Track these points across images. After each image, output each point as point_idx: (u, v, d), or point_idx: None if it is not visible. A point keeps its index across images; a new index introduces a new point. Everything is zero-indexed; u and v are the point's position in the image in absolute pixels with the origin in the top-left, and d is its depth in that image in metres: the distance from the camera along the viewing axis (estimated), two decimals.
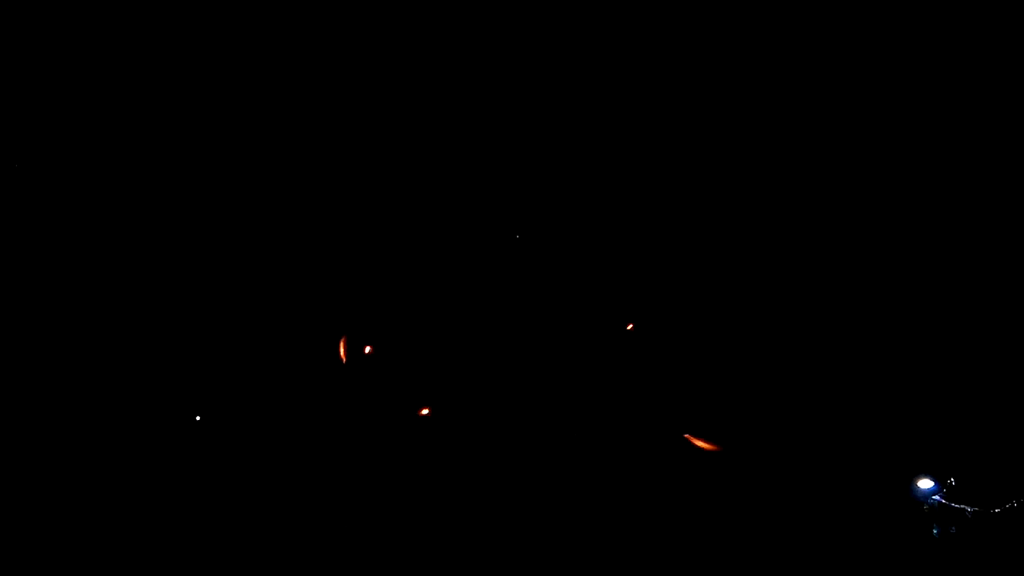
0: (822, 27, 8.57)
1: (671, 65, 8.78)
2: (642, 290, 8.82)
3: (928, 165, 8.56)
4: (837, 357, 8.47)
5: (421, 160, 8.95)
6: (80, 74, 8.58)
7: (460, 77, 8.88)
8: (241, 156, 8.80)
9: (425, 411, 8.57)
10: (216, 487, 8.34)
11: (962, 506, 7.85)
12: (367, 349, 8.66)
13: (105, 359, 8.50)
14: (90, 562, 8.00)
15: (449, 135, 8.94)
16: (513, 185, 8.96)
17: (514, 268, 8.93)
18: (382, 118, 8.91)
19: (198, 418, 8.39)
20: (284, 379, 8.64)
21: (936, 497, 7.91)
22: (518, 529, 8.28)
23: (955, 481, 7.92)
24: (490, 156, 8.95)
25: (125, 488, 8.24)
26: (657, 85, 8.84)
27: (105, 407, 8.41)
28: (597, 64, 8.83)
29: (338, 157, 8.91)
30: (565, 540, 8.24)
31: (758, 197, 8.78)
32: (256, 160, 8.83)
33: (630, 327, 8.74)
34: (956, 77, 8.47)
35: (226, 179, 8.80)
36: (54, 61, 8.54)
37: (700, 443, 8.27)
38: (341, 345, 8.63)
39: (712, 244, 8.82)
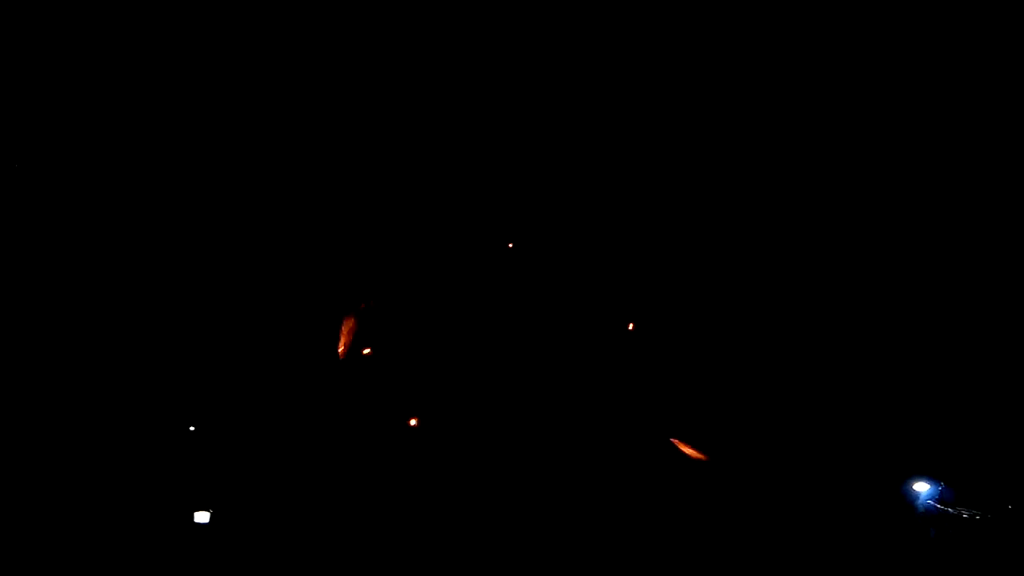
0: (822, 27, 8.57)
1: (672, 67, 8.78)
2: (640, 292, 8.83)
3: (928, 166, 8.55)
4: (836, 361, 8.45)
5: (421, 162, 8.96)
6: (80, 74, 8.61)
7: (462, 79, 8.89)
8: (241, 156, 8.82)
9: (413, 422, 8.59)
10: (215, 487, 8.39)
11: (958, 509, 7.85)
12: (366, 351, 8.67)
13: (105, 358, 8.52)
14: (90, 562, 8.03)
15: (450, 137, 8.95)
16: (513, 188, 8.97)
17: (512, 271, 8.94)
18: (384, 120, 8.92)
19: (192, 428, 8.42)
20: (282, 380, 8.67)
21: (932, 501, 7.90)
22: (517, 529, 8.30)
23: (950, 484, 7.91)
24: (490, 158, 8.96)
25: (126, 489, 8.27)
26: (657, 87, 8.84)
27: (104, 406, 8.44)
28: (598, 66, 8.83)
29: (339, 159, 8.92)
30: (564, 540, 8.26)
31: (757, 198, 8.78)
32: (256, 161, 8.85)
33: (630, 327, 8.74)
34: (956, 77, 8.45)
35: (226, 180, 8.82)
36: (54, 61, 8.57)
37: (688, 450, 8.27)
38: (341, 340, 8.63)
39: (710, 245, 8.82)
